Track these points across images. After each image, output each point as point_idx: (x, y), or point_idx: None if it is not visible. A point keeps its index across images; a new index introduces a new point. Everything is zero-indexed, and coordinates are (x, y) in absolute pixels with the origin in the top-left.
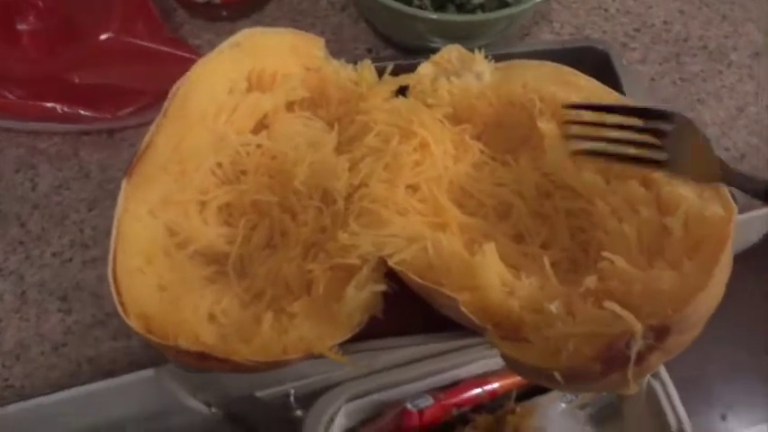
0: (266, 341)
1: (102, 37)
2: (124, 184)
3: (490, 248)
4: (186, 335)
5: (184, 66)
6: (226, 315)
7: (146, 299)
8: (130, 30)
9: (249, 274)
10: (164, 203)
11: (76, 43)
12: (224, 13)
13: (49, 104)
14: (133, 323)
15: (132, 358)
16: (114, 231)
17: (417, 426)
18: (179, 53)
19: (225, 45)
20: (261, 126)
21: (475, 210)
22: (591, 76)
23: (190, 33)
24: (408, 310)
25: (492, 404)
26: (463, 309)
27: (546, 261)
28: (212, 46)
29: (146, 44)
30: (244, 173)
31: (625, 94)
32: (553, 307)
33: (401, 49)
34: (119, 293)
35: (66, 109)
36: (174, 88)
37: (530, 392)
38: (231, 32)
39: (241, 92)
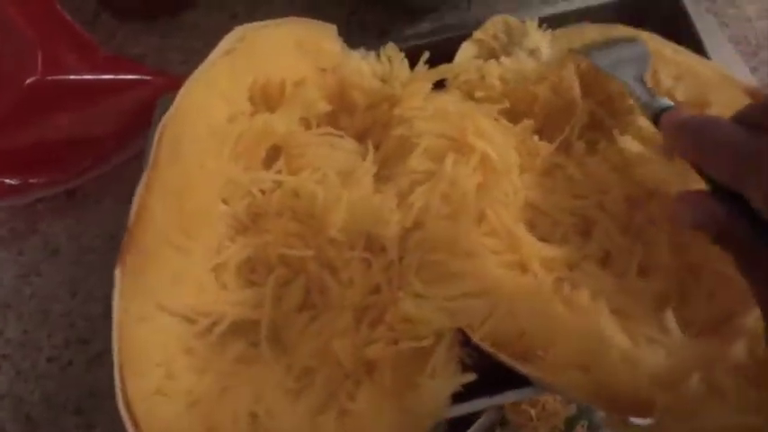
0: None
1: (28, 81)
2: (117, 274)
3: (604, 312)
4: None
5: (138, 91)
6: (272, 416)
7: (175, 427)
8: (59, 62)
9: (287, 346)
10: (173, 286)
11: None
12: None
13: None
14: None
15: None
16: (115, 344)
17: None
18: (126, 77)
19: (216, 54)
20: (274, 152)
21: (550, 230)
22: (658, 32)
23: (127, 41)
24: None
25: None
26: (581, 398)
27: (670, 316)
28: (160, 52)
29: (83, 77)
30: (261, 216)
31: (708, 55)
32: (693, 383)
33: (385, 7)
34: (136, 426)
35: (8, 182)
36: (160, 127)
37: None
38: (176, 29)
39: (244, 115)
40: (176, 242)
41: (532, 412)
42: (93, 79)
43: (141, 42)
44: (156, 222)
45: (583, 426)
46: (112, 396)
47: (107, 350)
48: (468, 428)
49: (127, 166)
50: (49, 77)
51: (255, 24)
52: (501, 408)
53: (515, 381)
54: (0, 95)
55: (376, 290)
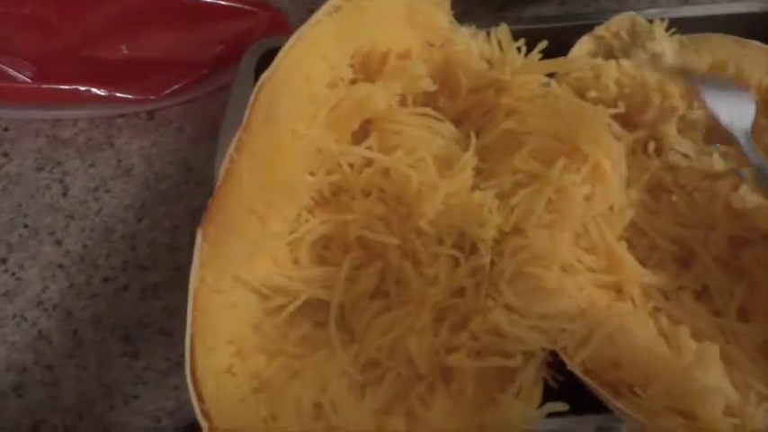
0: None
1: None
2: (199, 240)
3: (713, 358)
4: None
5: (240, 22)
6: (336, 409)
7: (238, 409)
8: None
9: (354, 332)
10: (250, 258)
11: (101, 5)
12: None
13: (67, 87)
14: None
15: None
16: (190, 314)
17: None
18: (232, 4)
19: (322, 12)
20: (367, 126)
21: (647, 253)
22: None
23: None
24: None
25: None
26: None
27: None
28: None
29: None
30: (344, 191)
31: None
32: None
33: None
34: (201, 401)
35: (95, 91)
36: (258, 85)
37: None
38: None
39: (344, 82)
40: (259, 211)
41: None
42: (200, 2)
43: None
44: (242, 187)
45: None
46: (162, 329)
47: (164, 281)
48: None
49: (213, 98)
50: None
51: None
52: None
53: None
54: (102, 3)
55: (460, 292)
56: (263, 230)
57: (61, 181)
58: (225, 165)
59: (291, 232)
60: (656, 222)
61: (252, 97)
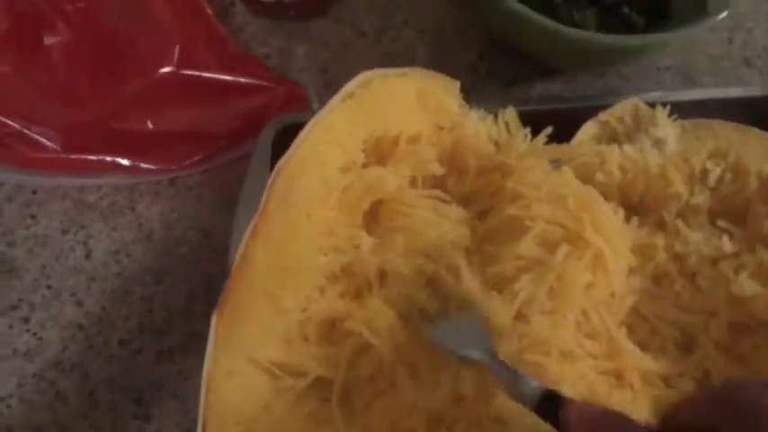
0: None
1: (162, 71)
2: (214, 322)
3: None
4: None
5: (258, 97)
6: None
7: None
8: (193, 58)
9: (356, 410)
10: (263, 337)
11: (129, 81)
12: (292, 13)
13: (94, 157)
14: None
15: None
16: (203, 395)
17: None
18: (250, 81)
19: (337, 98)
20: (376, 206)
21: (648, 338)
22: None
23: (255, 39)
24: None
25: None
26: None
27: None
28: (282, 55)
29: (212, 76)
30: (351, 269)
31: None
32: None
33: (517, 56)
34: None
35: (120, 161)
36: (275, 173)
37: None
38: (303, 35)
39: (356, 166)
40: (272, 293)
41: None
42: (220, 79)
43: (267, 43)
44: (256, 271)
45: None
46: (174, 393)
47: (178, 346)
48: None
49: (230, 167)
50: (181, 71)
51: (381, 72)
52: None
53: None
54: (130, 79)
55: (461, 399)
56: (276, 312)
57: (85, 243)
58: (240, 250)
59: (302, 310)
60: (657, 308)
61: (269, 181)
